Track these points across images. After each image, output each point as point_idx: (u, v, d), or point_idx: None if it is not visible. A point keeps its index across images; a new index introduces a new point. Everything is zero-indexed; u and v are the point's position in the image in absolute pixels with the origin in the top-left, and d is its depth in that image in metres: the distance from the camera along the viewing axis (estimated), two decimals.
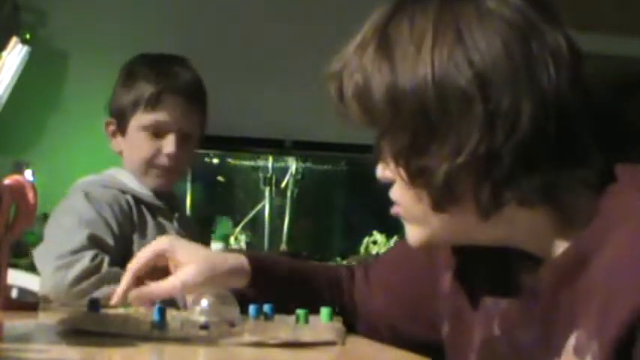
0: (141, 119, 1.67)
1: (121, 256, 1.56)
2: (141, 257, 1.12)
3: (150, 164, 1.68)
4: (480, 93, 0.80)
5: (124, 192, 1.66)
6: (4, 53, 0.93)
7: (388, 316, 1.10)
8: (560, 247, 0.85)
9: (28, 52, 0.94)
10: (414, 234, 0.91)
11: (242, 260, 1.12)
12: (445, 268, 1.01)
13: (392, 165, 0.87)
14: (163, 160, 1.68)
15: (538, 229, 0.86)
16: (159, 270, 1.12)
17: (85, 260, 1.46)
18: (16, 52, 0.93)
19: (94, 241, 1.50)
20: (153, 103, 1.66)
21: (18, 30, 3.02)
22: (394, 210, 0.91)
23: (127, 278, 1.11)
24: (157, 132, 1.68)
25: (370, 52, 0.86)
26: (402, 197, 0.89)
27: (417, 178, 0.85)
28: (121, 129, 1.71)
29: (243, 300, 1.01)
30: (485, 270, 0.95)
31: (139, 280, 1.11)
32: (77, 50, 3.31)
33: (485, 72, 0.81)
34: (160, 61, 1.74)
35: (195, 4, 3.48)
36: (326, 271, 1.21)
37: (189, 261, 1.09)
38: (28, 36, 3.00)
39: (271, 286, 1.10)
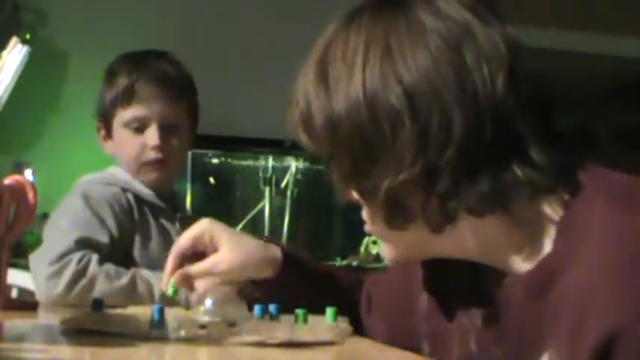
0: (121, 117, 1.65)
1: (121, 254, 1.56)
2: (181, 241, 1.15)
3: (139, 161, 1.66)
4: (409, 109, 0.80)
5: (125, 190, 1.65)
6: (4, 53, 0.93)
7: (378, 336, 1.10)
8: (518, 259, 0.84)
9: (28, 52, 0.94)
10: (385, 252, 0.93)
11: (275, 250, 1.14)
12: (421, 289, 1.01)
13: (344, 187, 0.88)
14: (150, 154, 1.65)
15: (493, 239, 0.85)
16: (201, 254, 1.14)
17: (72, 265, 1.45)
18: (16, 52, 0.93)
19: (83, 244, 1.50)
20: (128, 98, 1.64)
21: (18, 30, 3.02)
22: (365, 228, 0.92)
23: (170, 263, 1.14)
24: (139, 127, 1.65)
25: (310, 78, 0.87)
26: (366, 216, 0.90)
27: (367, 197, 0.86)
28: (108, 131, 1.70)
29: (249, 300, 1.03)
30: (459, 287, 0.94)
31: (183, 263, 1.14)
32: (77, 50, 3.31)
33: (413, 87, 0.81)
34: (138, 56, 1.72)
35: (195, 4, 3.48)
36: (348, 277, 1.22)
37: (224, 246, 1.12)
38: (28, 36, 3.00)
39: (299, 280, 1.11)
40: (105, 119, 1.70)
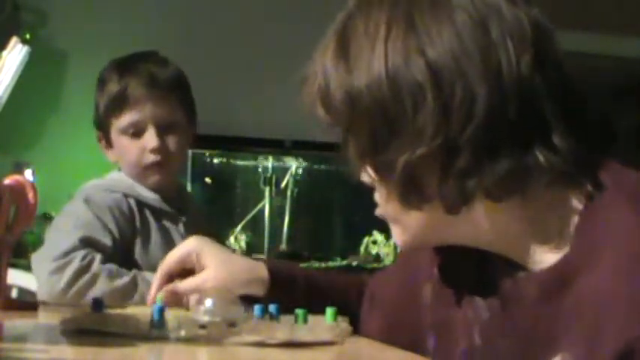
0: (117, 125, 1.65)
1: (122, 259, 1.56)
2: (170, 257, 1.15)
3: (140, 165, 1.66)
4: (432, 83, 0.79)
5: (127, 196, 1.65)
6: (4, 53, 0.93)
7: (375, 333, 1.10)
8: (538, 253, 0.83)
9: (28, 52, 0.94)
10: (396, 234, 0.91)
11: (262, 270, 1.13)
12: (425, 279, 1.00)
13: (359, 164, 0.87)
14: (151, 158, 1.66)
15: (509, 227, 0.84)
16: (190, 271, 1.14)
17: (76, 261, 1.46)
18: (16, 52, 0.93)
19: (86, 242, 1.50)
20: (120, 105, 1.64)
21: (18, 30, 3.03)
22: (377, 211, 0.91)
23: (157, 278, 1.14)
24: (136, 131, 1.65)
25: (330, 53, 0.86)
26: (379, 198, 0.88)
27: (382, 174, 0.84)
28: (108, 140, 1.70)
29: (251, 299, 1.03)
30: (466, 277, 0.93)
31: (170, 280, 1.14)
32: (77, 50, 3.31)
33: (437, 62, 0.79)
34: (125, 60, 1.71)
35: (195, 4, 3.48)
36: (343, 287, 1.21)
37: (210, 265, 1.12)
38: (28, 36, 3.00)
39: (287, 298, 1.11)
40: (102, 129, 1.70)
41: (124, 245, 1.59)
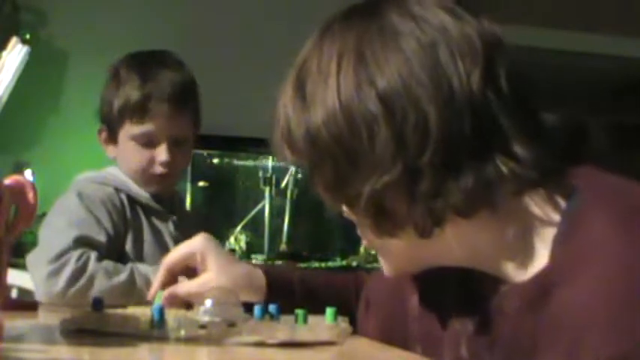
0: (129, 130, 1.64)
1: (115, 254, 1.56)
2: (174, 254, 1.16)
3: (145, 174, 1.66)
4: (384, 112, 0.80)
5: (118, 190, 1.65)
6: (4, 53, 0.93)
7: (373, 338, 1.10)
8: (516, 266, 0.83)
9: (28, 52, 0.93)
10: (382, 265, 0.92)
11: (259, 276, 1.14)
12: (412, 291, 1.00)
13: (328, 199, 0.88)
14: (158, 169, 1.65)
15: (483, 243, 0.84)
16: (193, 269, 1.15)
17: (71, 263, 1.45)
18: (16, 52, 0.93)
19: (81, 242, 1.50)
20: (140, 115, 1.62)
21: (18, 30, 3.02)
22: (363, 244, 0.93)
23: (160, 275, 1.15)
24: (148, 142, 1.65)
25: (288, 94, 0.88)
26: (359, 230, 0.90)
27: (351, 207, 0.86)
28: (112, 137, 1.69)
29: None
30: (452, 290, 0.94)
31: (172, 277, 1.15)
32: (77, 50, 3.31)
33: (387, 91, 0.80)
34: (144, 62, 1.69)
35: (195, 4, 3.48)
36: (341, 288, 1.21)
37: (212, 269, 1.12)
38: (28, 36, 3.00)
39: (285, 303, 1.11)
40: (110, 125, 1.68)
41: (117, 240, 1.59)
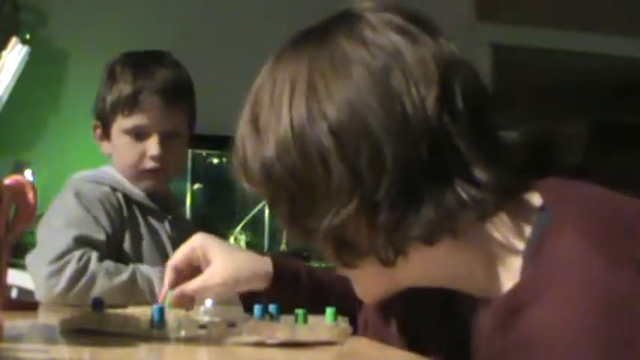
0: (121, 123, 1.65)
1: (114, 253, 1.56)
2: (176, 255, 1.17)
3: (137, 168, 1.66)
4: (337, 146, 0.78)
5: (115, 189, 1.66)
6: (4, 53, 0.93)
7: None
8: (481, 286, 0.83)
9: (28, 52, 0.93)
10: (358, 293, 0.92)
11: (267, 264, 1.14)
12: (395, 310, 1.00)
13: (289, 231, 0.86)
14: (149, 164, 1.66)
15: (451, 267, 0.83)
16: (197, 269, 1.15)
17: (72, 263, 1.45)
18: (16, 52, 0.93)
19: (81, 241, 1.50)
20: (130, 107, 1.63)
21: (18, 30, 3.02)
22: (338, 272, 0.91)
23: (167, 277, 1.16)
24: (140, 135, 1.65)
25: (244, 124, 0.86)
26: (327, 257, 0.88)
27: (313, 240, 0.84)
28: (106, 133, 1.69)
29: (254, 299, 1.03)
30: (435, 309, 0.93)
31: (179, 277, 1.15)
32: (77, 50, 3.31)
33: (338, 123, 0.78)
34: (139, 60, 1.70)
35: (195, 4, 3.48)
36: (344, 288, 1.21)
37: (215, 260, 1.12)
38: (28, 36, 3.00)
39: (290, 293, 1.11)
40: (103, 121, 1.70)
41: (114, 239, 1.59)
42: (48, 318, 1.27)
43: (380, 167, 0.77)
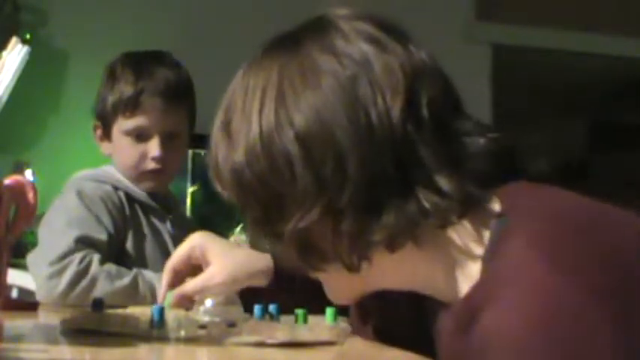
0: (122, 125, 1.65)
1: (116, 252, 1.56)
2: (176, 254, 1.17)
3: (138, 169, 1.66)
4: (302, 153, 0.79)
5: (117, 188, 1.66)
6: (4, 53, 0.93)
7: None
8: (448, 289, 0.84)
9: (28, 52, 0.93)
10: (330, 294, 0.93)
11: (267, 260, 1.15)
12: (368, 310, 1.01)
13: (259, 234, 0.88)
14: (150, 165, 1.66)
15: (414, 273, 0.85)
16: (197, 268, 1.15)
17: (74, 265, 1.45)
18: (16, 52, 0.93)
19: (83, 242, 1.50)
20: (131, 108, 1.63)
21: (18, 30, 3.02)
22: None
23: (165, 279, 1.16)
24: (140, 136, 1.65)
25: (216, 128, 0.88)
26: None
27: (277, 243, 0.85)
28: (107, 133, 1.69)
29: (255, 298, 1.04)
30: (406, 313, 0.95)
31: (178, 277, 1.16)
32: (77, 50, 3.31)
33: (305, 131, 0.79)
34: (140, 60, 1.70)
35: (195, 4, 3.48)
36: None
37: (215, 258, 1.13)
38: (28, 36, 3.00)
39: (290, 290, 1.11)
40: (104, 121, 1.69)
41: (117, 238, 1.59)
42: (48, 318, 1.27)
43: (343, 175, 0.79)
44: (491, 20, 3.81)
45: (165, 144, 1.65)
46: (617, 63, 4.26)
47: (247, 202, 0.85)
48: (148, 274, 1.50)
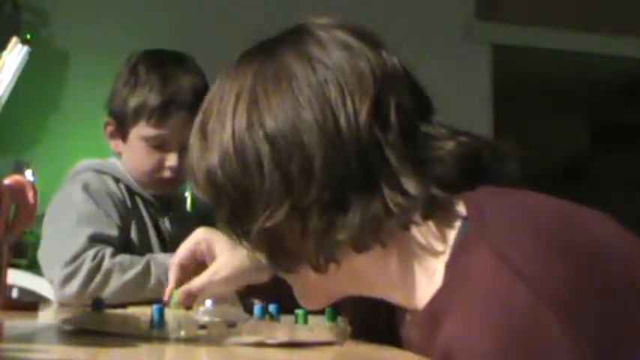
0: (143, 131, 1.63)
1: (124, 245, 1.57)
2: (180, 249, 1.19)
3: (152, 176, 1.66)
4: (271, 154, 0.82)
5: (117, 180, 1.65)
6: (4, 53, 0.93)
7: None
8: (403, 295, 0.85)
9: (28, 52, 0.93)
10: (300, 300, 0.94)
11: None
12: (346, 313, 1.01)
13: (231, 233, 0.90)
14: (166, 173, 1.65)
15: (377, 275, 0.86)
16: (203, 264, 1.18)
17: (87, 263, 1.46)
18: (16, 52, 0.93)
19: (95, 239, 1.50)
20: (158, 118, 1.61)
21: (18, 30, 3.02)
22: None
23: (171, 275, 1.18)
24: (160, 145, 1.64)
25: (194, 130, 0.90)
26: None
27: (247, 242, 0.87)
28: (121, 133, 1.67)
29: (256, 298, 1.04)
30: (381, 320, 0.95)
31: (185, 274, 1.17)
32: (78, 50, 3.31)
33: (274, 132, 0.82)
34: (164, 63, 1.67)
35: (195, 3, 3.48)
36: None
37: (220, 253, 1.16)
38: (28, 36, 2.99)
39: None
40: (120, 121, 1.66)
41: (124, 229, 1.60)
42: (48, 318, 1.27)
43: (309, 174, 0.81)
44: (491, 20, 3.81)
45: (181, 153, 1.64)
46: (617, 63, 4.26)
47: (220, 202, 0.87)
48: (163, 256, 1.50)
